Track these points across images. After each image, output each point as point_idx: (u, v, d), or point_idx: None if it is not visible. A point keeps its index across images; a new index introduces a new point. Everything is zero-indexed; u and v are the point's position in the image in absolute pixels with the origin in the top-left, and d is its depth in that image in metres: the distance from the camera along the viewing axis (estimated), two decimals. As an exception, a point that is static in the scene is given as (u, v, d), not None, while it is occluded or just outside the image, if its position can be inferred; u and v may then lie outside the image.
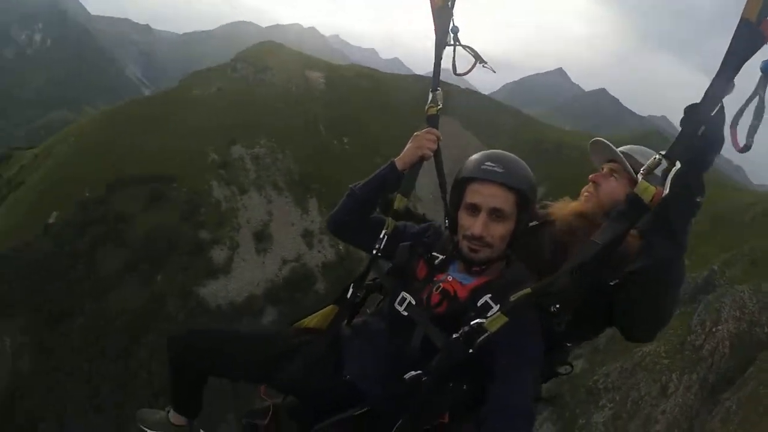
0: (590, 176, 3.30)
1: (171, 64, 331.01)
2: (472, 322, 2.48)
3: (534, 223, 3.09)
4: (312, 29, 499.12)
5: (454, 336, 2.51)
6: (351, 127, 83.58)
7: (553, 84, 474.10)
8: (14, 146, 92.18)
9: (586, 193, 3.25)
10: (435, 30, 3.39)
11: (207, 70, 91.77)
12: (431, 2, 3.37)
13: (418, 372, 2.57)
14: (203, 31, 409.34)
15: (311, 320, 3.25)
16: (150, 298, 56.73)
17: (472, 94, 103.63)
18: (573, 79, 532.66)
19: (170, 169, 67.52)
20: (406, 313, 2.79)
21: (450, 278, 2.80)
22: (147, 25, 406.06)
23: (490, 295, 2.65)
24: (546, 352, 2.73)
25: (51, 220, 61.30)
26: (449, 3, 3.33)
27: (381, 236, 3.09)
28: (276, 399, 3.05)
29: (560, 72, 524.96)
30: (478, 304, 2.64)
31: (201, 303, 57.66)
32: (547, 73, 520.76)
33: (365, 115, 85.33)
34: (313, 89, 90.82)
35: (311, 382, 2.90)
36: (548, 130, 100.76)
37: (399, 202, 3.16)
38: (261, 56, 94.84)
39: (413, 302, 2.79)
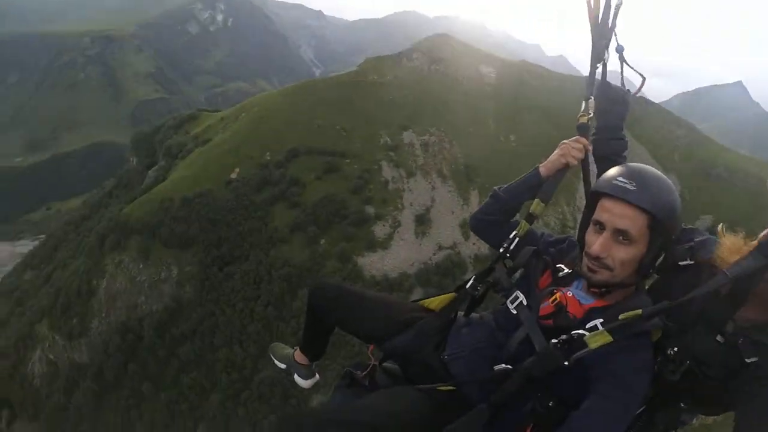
0: None
1: (341, 49, 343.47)
2: (573, 332, 2.42)
3: (686, 261, 2.67)
4: (478, 22, 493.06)
5: (553, 341, 2.45)
6: (519, 125, 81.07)
7: (730, 99, 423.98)
8: (201, 108, 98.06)
9: None
10: (592, 42, 3.18)
11: (383, 57, 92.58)
12: (589, 16, 3.15)
13: (508, 367, 2.58)
14: (372, 19, 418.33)
15: (432, 302, 3.31)
16: (311, 258, 59.45)
17: (642, 101, 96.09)
18: (753, 97, 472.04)
19: (345, 146, 70.16)
20: (515, 312, 2.74)
21: (570, 294, 2.69)
22: (320, 11, 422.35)
23: (602, 320, 2.49)
24: (652, 405, 2.64)
25: (233, 176, 65.40)
26: (609, 21, 3.11)
27: (511, 236, 3.03)
28: (376, 360, 3.27)
29: (740, 86, 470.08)
30: (587, 326, 2.48)
31: (356, 271, 59.11)
32: (725, 85, 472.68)
33: (533, 115, 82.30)
34: (484, 84, 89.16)
35: (414, 354, 3.04)
36: (722, 151, 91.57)
37: (536, 207, 3.04)
38: (435, 47, 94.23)
39: (524, 303, 2.74)
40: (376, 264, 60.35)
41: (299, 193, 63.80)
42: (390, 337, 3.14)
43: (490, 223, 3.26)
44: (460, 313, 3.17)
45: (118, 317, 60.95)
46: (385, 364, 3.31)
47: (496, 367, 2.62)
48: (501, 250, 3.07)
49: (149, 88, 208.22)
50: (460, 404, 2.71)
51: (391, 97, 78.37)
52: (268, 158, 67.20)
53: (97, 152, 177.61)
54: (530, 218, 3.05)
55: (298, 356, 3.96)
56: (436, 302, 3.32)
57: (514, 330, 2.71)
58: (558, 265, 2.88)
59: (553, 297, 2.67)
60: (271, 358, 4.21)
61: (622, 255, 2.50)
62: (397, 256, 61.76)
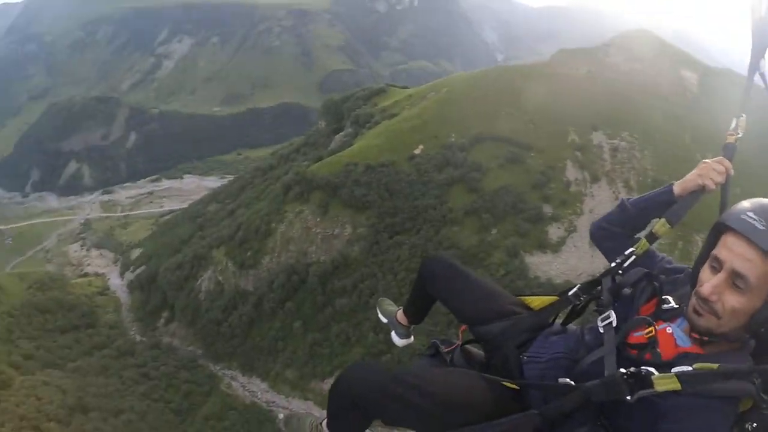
0: None
1: (525, 35, 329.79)
2: (643, 368, 2.28)
3: None
4: (679, 24, 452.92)
5: (621, 370, 2.32)
6: (718, 144, 72.47)
7: None
8: (389, 83, 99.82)
9: None
10: (752, 47, 2.78)
11: (577, 50, 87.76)
12: (752, 13, 2.74)
13: (570, 383, 2.56)
14: (560, 7, 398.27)
15: (533, 300, 3.27)
16: (479, 245, 58.37)
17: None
18: None
19: (531, 138, 67.29)
20: (601, 331, 2.65)
21: (668, 330, 2.50)
22: None
23: (690, 369, 2.26)
24: None
25: (416, 152, 65.71)
26: None
27: (627, 252, 2.87)
28: (461, 341, 3.40)
29: None
30: (673, 370, 2.28)
31: (522, 268, 56.84)
32: None
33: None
34: (685, 90, 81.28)
35: (501, 346, 3.07)
36: None
37: (660, 227, 2.83)
38: (634, 44, 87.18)
39: (613, 324, 2.62)
40: (543, 266, 57.51)
41: (479, 178, 62.74)
42: (484, 322, 3.18)
43: (610, 234, 3.10)
44: (558, 321, 3.15)
45: (287, 259, 65.21)
46: (468, 346, 3.40)
47: (560, 380, 2.60)
48: (613, 265, 2.88)
49: (338, 59, 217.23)
50: (518, 405, 2.71)
51: (583, 93, 73.30)
52: (453, 140, 66.74)
53: (286, 111, 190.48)
54: (652, 238, 2.83)
55: (400, 316, 4.10)
56: (537, 302, 3.24)
57: (595, 348, 2.61)
58: (666, 297, 2.63)
59: (649, 329, 2.45)
60: (377, 311, 4.41)
61: (734, 303, 2.18)
62: (566, 262, 58.31)
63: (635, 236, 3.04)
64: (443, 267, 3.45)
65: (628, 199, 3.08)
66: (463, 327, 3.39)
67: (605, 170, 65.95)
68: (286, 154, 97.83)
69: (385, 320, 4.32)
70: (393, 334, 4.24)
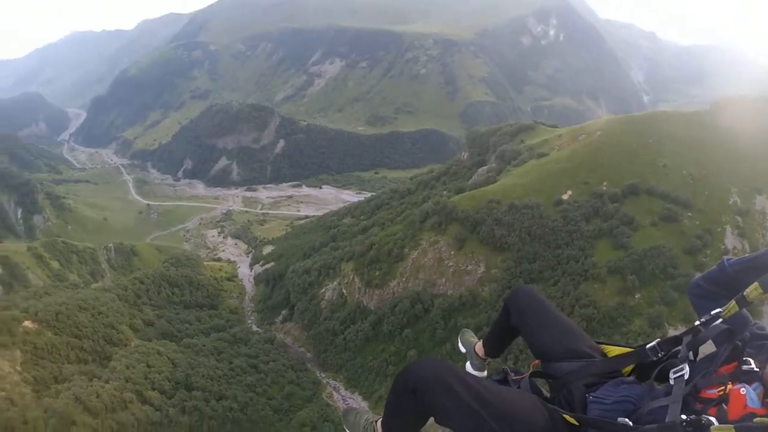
0: None
1: (674, 75, 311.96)
2: (704, 416, 2.28)
3: None
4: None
5: (682, 416, 2.33)
6: None
7: None
8: (537, 121, 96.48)
9: None
10: None
11: (739, 97, 79.57)
12: None
13: (629, 423, 2.55)
14: (709, 46, 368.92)
15: (611, 350, 3.26)
16: (619, 308, 52.42)
17: None
18: None
19: (689, 195, 60.67)
20: (672, 383, 2.63)
21: (742, 391, 2.39)
22: (652, 32, 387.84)
23: (750, 424, 2.25)
24: None
25: (564, 197, 61.94)
26: None
27: (713, 312, 2.78)
28: (529, 374, 3.38)
29: None
30: (732, 424, 2.27)
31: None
32: None
33: None
34: None
35: (570, 385, 3.07)
36: None
37: (753, 291, 2.63)
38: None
39: (685, 377, 2.59)
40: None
41: (629, 234, 57.25)
42: (558, 359, 3.22)
43: (705, 293, 3.00)
44: (629, 377, 3.07)
45: (414, 286, 64.13)
46: (535, 379, 3.36)
47: (620, 419, 2.58)
48: (696, 324, 2.82)
49: (480, 90, 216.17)
50: None
51: (748, 149, 65.41)
52: (604, 188, 61.86)
53: (425, 137, 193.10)
54: (743, 301, 2.65)
55: (479, 348, 4.12)
56: (614, 351, 3.23)
57: (660, 396, 2.60)
58: (747, 358, 2.54)
59: (722, 387, 2.42)
60: (458, 339, 4.44)
61: None
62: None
63: (730, 298, 2.74)
64: (531, 301, 3.48)
65: (729, 259, 2.87)
66: (536, 362, 3.41)
67: (767, 242, 58.18)
68: (425, 180, 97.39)
69: (464, 350, 4.33)
70: (468, 364, 4.23)
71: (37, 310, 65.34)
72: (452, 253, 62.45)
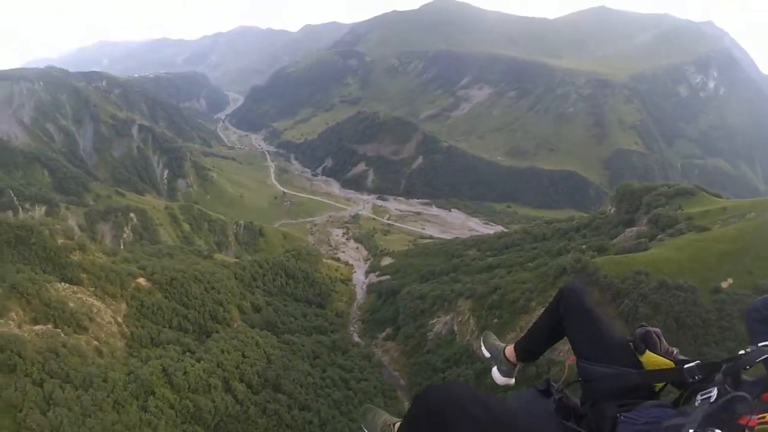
0: None
1: None
2: (708, 428, 2.26)
3: None
4: None
5: (690, 430, 2.30)
6: None
7: None
8: (691, 182, 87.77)
9: None
10: None
11: None
12: None
13: None
14: None
15: (652, 361, 3.21)
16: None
17: None
18: None
19: None
20: (697, 404, 2.58)
21: None
22: None
23: None
24: None
25: (724, 285, 54.67)
26: None
27: (760, 345, 2.69)
28: (565, 385, 3.37)
29: None
30: None
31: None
32: None
33: None
34: None
35: (601, 392, 3.08)
36: None
37: None
38: None
39: (711, 400, 2.51)
40: None
41: None
42: (596, 361, 3.19)
43: (762, 318, 2.81)
44: (667, 402, 2.95)
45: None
46: (566, 393, 3.33)
47: None
48: (741, 352, 2.70)
49: (629, 138, 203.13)
50: None
51: None
52: (771, 280, 53.56)
53: (565, 178, 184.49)
54: None
55: (509, 352, 4.02)
56: (654, 361, 3.18)
57: (687, 418, 2.45)
58: None
59: (764, 415, 2.28)
60: (481, 344, 4.33)
61: None
62: None
63: None
64: (583, 301, 3.43)
65: None
66: (572, 358, 3.36)
67: None
68: (564, 229, 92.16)
69: (488, 354, 4.19)
70: (494, 370, 4.08)
71: (154, 270, 68.38)
72: (585, 320, 57.81)
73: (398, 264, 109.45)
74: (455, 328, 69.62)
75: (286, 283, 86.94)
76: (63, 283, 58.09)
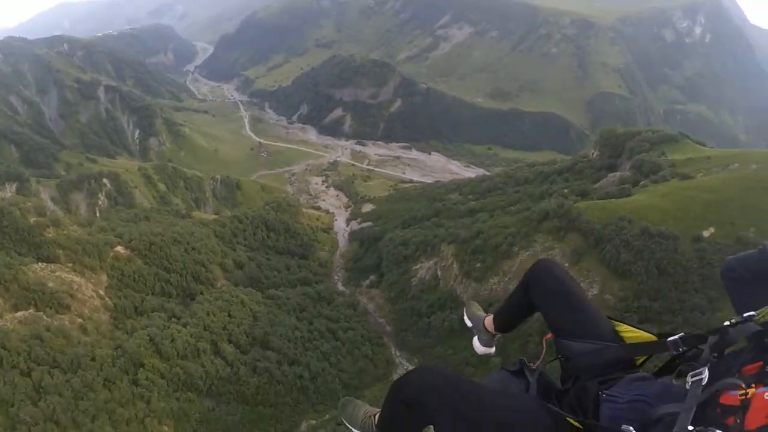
0: None
1: None
2: (710, 427, 2.15)
3: None
4: None
5: (689, 428, 2.19)
6: None
7: None
8: (684, 133, 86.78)
9: None
10: None
11: None
12: None
13: (632, 430, 2.44)
14: None
15: (628, 332, 3.14)
16: None
17: None
18: None
19: None
20: (688, 387, 2.46)
21: (767, 396, 2.18)
22: None
23: None
24: None
25: (705, 234, 54.81)
26: None
27: (745, 316, 2.60)
28: (539, 364, 3.31)
29: None
30: None
31: None
32: None
33: None
34: None
35: (582, 369, 3.03)
36: None
37: None
38: None
39: (703, 382, 2.40)
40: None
41: None
42: (575, 337, 3.12)
43: (738, 278, 2.79)
44: (647, 374, 2.91)
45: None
46: (544, 371, 3.27)
47: (623, 426, 2.44)
48: (725, 324, 2.62)
49: (612, 81, 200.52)
50: None
51: None
52: (751, 234, 52.72)
53: (547, 120, 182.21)
54: None
55: (488, 322, 4.05)
56: (631, 334, 3.11)
57: (677, 401, 2.37)
58: None
59: (745, 391, 2.19)
60: (463, 313, 4.39)
61: None
62: None
63: (764, 290, 2.63)
64: (555, 278, 3.33)
65: None
66: (549, 335, 3.29)
67: None
68: (546, 172, 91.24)
69: (470, 323, 4.24)
70: (475, 339, 4.13)
71: (132, 237, 66.64)
72: (566, 265, 56.99)
73: (379, 210, 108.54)
74: (439, 273, 69.54)
75: (267, 236, 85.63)
76: (40, 263, 56.73)
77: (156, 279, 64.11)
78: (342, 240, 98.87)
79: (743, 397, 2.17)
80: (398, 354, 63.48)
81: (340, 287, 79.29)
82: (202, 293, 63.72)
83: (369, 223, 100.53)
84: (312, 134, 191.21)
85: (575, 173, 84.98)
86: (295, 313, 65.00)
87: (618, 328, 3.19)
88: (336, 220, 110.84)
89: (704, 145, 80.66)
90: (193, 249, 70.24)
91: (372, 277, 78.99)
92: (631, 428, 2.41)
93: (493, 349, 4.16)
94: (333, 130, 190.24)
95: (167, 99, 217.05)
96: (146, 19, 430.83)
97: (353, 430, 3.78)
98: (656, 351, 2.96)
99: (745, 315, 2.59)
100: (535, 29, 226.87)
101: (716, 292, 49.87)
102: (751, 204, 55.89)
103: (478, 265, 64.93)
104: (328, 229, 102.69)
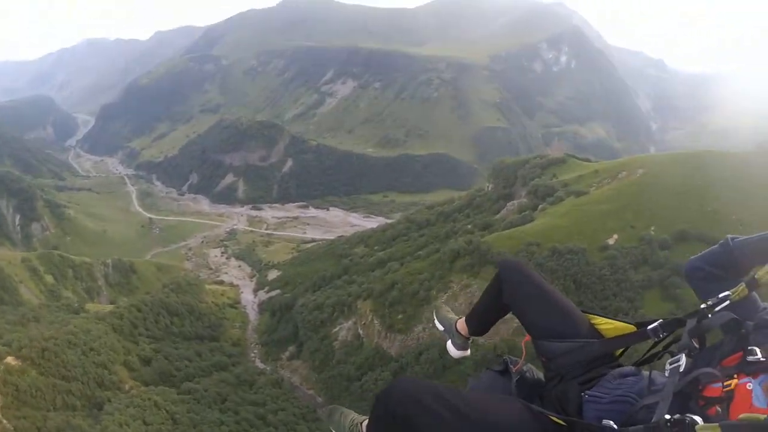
0: None
1: (680, 103, 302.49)
2: (688, 415, 2.10)
3: None
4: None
5: (666, 416, 2.15)
6: None
7: None
8: (570, 154, 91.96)
9: None
10: None
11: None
12: None
13: (614, 426, 2.41)
14: (715, 74, 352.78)
15: (605, 324, 3.09)
16: None
17: None
18: None
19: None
20: (667, 375, 2.46)
21: (749, 387, 2.16)
22: (661, 60, 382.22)
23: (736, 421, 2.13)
24: None
25: (610, 242, 57.11)
26: None
27: (721, 296, 2.55)
28: (523, 363, 3.23)
29: None
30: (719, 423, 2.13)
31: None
32: None
33: None
34: None
35: (565, 368, 2.95)
36: None
37: (765, 275, 2.49)
38: None
39: (681, 370, 2.39)
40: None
41: (680, 285, 52.40)
42: (553, 337, 3.04)
43: (706, 275, 2.75)
44: (630, 367, 2.86)
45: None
46: (527, 368, 3.25)
47: (604, 422, 2.43)
48: (702, 307, 2.59)
49: (492, 116, 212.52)
50: None
51: None
52: (652, 233, 56.86)
53: (437, 161, 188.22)
54: (752, 284, 2.49)
55: (460, 325, 3.93)
56: (609, 327, 3.05)
57: (658, 392, 2.39)
58: (752, 348, 2.28)
59: (729, 382, 2.19)
60: (434, 316, 4.26)
61: None
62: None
63: (736, 280, 2.58)
64: (525, 277, 3.22)
65: (734, 238, 2.63)
66: (527, 338, 3.22)
67: None
68: (447, 212, 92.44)
69: (441, 328, 4.15)
70: (449, 343, 4.04)
71: (22, 344, 58.26)
72: (486, 299, 57.40)
73: (286, 275, 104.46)
74: (360, 331, 67.02)
75: (171, 322, 78.18)
76: None
77: (55, 391, 55.47)
78: (252, 313, 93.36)
79: (727, 388, 2.14)
80: (336, 426, 59.54)
81: (260, 365, 74.10)
82: (109, 400, 56.13)
83: (277, 291, 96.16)
84: (205, 204, 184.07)
85: (474, 208, 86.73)
86: (217, 405, 59.26)
87: (594, 321, 3.09)
88: (242, 292, 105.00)
89: (589, 161, 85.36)
90: (92, 350, 62.26)
91: (291, 348, 74.63)
92: (612, 422, 2.37)
93: (468, 352, 3.98)
94: (226, 197, 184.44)
95: (49, 178, 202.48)
96: (25, 88, 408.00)
97: None
98: (637, 341, 2.89)
99: (721, 295, 2.52)
100: (415, 77, 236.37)
101: (632, 293, 52.19)
102: (645, 206, 59.86)
103: (399, 316, 63.33)
104: (236, 304, 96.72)
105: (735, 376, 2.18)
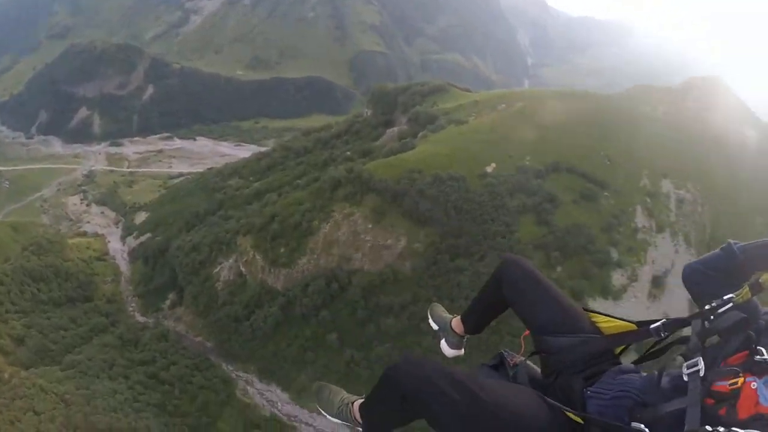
0: None
1: (558, 42, 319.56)
2: (734, 428, 2.13)
3: None
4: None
5: (707, 428, 2.18)
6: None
7: None
8: (451, 83, 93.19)
9: None
10: None
11: (653, 87, 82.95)
12: None
13: (645, 430, 2.43)
14: (595, 19, 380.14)
15: (605, 322, 3.13)
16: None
17: None
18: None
19: (606, 176, 62.65)
20: (686, 379, 2.45)
21: (754, 386, 2.27)
22: (544, 1, 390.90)
23: None
24: None
25: (488, 170, 60.52)
26: None
27: (725, 298, 2.62)
28: (522, 357, 3.29)
29: None
30: (747, 429, 2.18)
31: (581, 311, 52.89)
32: None
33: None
34: (745, 148, 76.57)
35: (565, 364, 2.97)
36: None
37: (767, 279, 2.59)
38: (708, 92, 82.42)
39: (701, 374, 2.41)
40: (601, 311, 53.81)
41: (552, 211, 57.64)
42: (554, 333, 3.07)
43: (706, 278, 2.80)
44: (630, 365, 2.95)
45: (328, 263, 59.21)
46: (529, 361, 3.28)
47: (633, 424, 2.44)
48: (707, 308, 2.65)
49: (370, 39, 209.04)
50: None
51: (657, 137, 68.65)
52: (527, 163, 61.38)
53: (311, 84, 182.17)
54: (756, 288, 2.57)
55: (456, 324, 3.92)
56: (610, 324, 3.10)
57: (675, 396, 2.42)
58: (760, 348, 2.40)
59: (736, 380, 2.29)
60: (428, 316, 4.24)
61: None
62: (625, 312, 53.97)
63: (735, 284, 2.65)
64: (526, 272, 3.27)
65: (735, 243, 2.69)
66: (526, 333, 3.27)
67: (670, 221, 62.09)
68: (324, 138, 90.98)
69: (436, 327, 4.14)
70: (443, 342, 4.03)
71: None
72: (369, 226, 58.48)
73: (155, 217, 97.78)
74: (243, 269, 65.36)
75: (38, 289, 70.15)
76: None
77: None
78: (123, 263, 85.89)
79: (733, 386, 2.23)
80: (231, 369, 58.69)
81: (140, 319, 69.52)
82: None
83: (148, 236, 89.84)
84: (57, 145, 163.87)
85: (353, 134, 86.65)
86: (105, 373, 55.40)
87: (594, 319, 3.15)
88: (109, 241, 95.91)
89: (470, 91, 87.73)
90: (-43, 339, 55.36)
91: (171, 296, 70.95)
92: (642, 425, 2.39)
93: (462, 351, 3.96)
94: (81, 134, 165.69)
95: None
96: None
97: (328, 416, 3.58)
98: (638, 339, 2.94)
99: (725, 297, 2.56)
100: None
101: (509, 218, 56.84)
102: (521, 138, 64.05)
103: (282, 249, 62.70)
104: (104, 256, 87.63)
105: (741, 374, 2.26)
